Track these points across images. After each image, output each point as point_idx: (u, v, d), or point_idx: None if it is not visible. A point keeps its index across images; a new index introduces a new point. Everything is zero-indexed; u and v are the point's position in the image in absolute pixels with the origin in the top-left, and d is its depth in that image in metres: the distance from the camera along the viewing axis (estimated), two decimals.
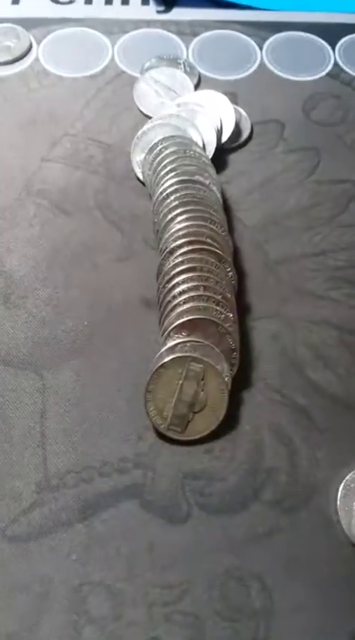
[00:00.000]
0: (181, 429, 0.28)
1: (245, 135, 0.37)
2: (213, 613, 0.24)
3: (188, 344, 0.28)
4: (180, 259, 0.30)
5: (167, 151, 0.33)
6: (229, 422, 0.28)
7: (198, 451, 0.28)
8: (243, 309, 0.31)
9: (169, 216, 0.31)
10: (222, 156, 0.36)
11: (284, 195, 0.35)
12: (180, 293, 0.29)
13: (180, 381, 0.27)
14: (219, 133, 0.36)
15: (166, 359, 0.27)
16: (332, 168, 0.36)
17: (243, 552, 0.26)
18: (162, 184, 0.32)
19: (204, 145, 0.35)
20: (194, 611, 0.24)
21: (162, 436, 0.28)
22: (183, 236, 0.30)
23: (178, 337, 0.28)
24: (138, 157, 0.35)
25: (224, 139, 0.36)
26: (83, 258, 0.33)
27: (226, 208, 0.34)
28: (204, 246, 0.30)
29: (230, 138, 0.36)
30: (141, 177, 0.35)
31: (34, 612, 0.24)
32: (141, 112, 0.39)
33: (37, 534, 0.26)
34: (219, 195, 0.33)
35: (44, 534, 0.26)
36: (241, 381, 0.29)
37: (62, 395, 0.29)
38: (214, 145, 0.35)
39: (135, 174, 0.36)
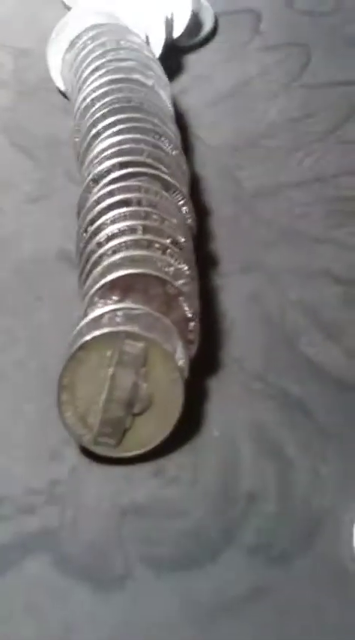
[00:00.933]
0: (115, 440, 0.19)
1: (206, 28, 0.27)
2: None
3: (120, 313, 0.19)
4: (107, 189, 0.20)
5: (93, 44, 0.24)
6: (188, 427, 0.19)
7: (142, 473, 0.19)
8: (205, 262, 0.22)
9: (94, 130, 0.22)
10: (174, 57, 0.27)
11: (263, 106, 0.26)
12: (109, 238, 0.19)
13: (111, 370, 0.18)
14: (170, 24, 0.26)
15: (87, 337, 0.18)
16: (326, 68, 0.27)
17: (209, 629, 0.17)
18: (86, 88, 0.23)
19: (147, 40, 0.26)
20: None
21: (87, 453, 0.19)
22: (113, 155, 0.21)
23: (106, 303, 0.19)
24: (56, 60, 0.26)
25: (176, 33, 0.27)
26: None
27: (181, 126, 0.25)
28: (144, 169, 0.20)
29: (185, 32, 0.27)
30: (61, 86, 0.26)
31: None
32: (68, 7, 0.29)
33: None
34: (168, 101, 0.23)
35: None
36: (205, 364, 0.20)
37: None
38: (162, 41, 0.26)
39: (56, 86, 0.26)
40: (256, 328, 0.21)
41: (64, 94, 0.26)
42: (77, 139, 0.23)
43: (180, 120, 0.25)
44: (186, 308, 0.19)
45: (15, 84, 0.27)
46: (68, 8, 0.28)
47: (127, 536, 0.18)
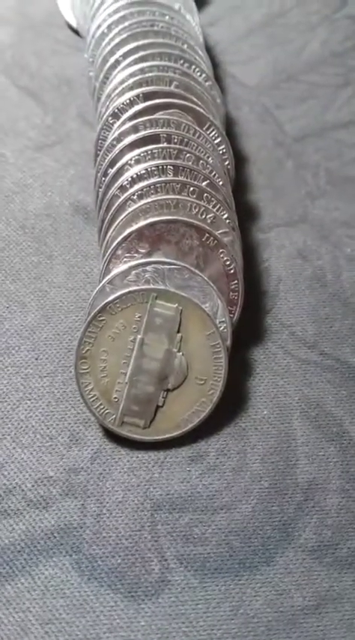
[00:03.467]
0: (145, 421, 0.16)
1: None
2: None
3: (149, 268, 0.16)
4: (130, 124, 0.17)
5: None
6: (231, 405, 0.16)
7: (178, 459, 0.16)
8: (244, 215, 0.19)
9: (112, 59, 0.18)
10: None
11: (302, 38, 0.23)
12: (133, 180, 0.16)
13: (140, 336, 0.15)
14: None
15: (111, 297, 0.15)
16: None
17: None
18: (102, 13, 0.20)
19: None
20: None
21: (111, 435, 0.16)
22: (135, 85, 0.18)
23: (132, 257, 0.16)
24: None
25: None
26: None
27: (212, 61, 0.22)
28: (173, 100, 0.17)
29: None
30: (71, 21, 0.23)
31: None
32: None
33: None
34: (197, 28, 0.20)
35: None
36: (248, 331, 0.17)
37: None
38: None
39: (65, 20, 0.23)
40: (307, 289, 0.18)
41: (73, 30, 0.23)
42: (92, 73, 0.20)
43: (210, 53, 0.22)
44: (228, 262, 0.16)
45: (17, 19, 0.24)
46: None
47: (163, 534, 0.15)
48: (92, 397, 0.16)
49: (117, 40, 0.19)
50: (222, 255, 0.16)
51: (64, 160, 0.20)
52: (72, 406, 0.16)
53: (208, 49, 0.22)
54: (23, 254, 0.19)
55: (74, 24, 0.23)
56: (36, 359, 0.17)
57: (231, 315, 0.16)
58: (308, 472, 0.16)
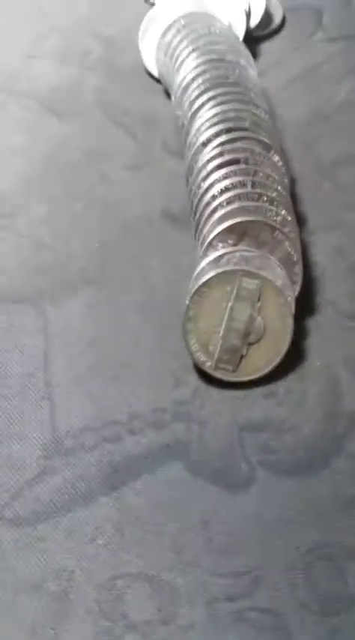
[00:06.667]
0: (233, 366, 0.21)
1: (276, 21, 0.30)
2: (298, 607, 0.18)
3: (237, 254, 0.21)
4: (218, 150, 0.23)
5: (187, 30, 0.27)
6: (294, 356, 0.21)
7: (256, 395, 0.21)
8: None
9: (198, 102, 0.24)
10: (250, 45, 0.30)
11: (333, 87, 0.29)
12: (222, 191, 0.22)
13: (230, 304, 0.21)
14: (248, 15, 0.29)
15: (210, 274, 0.21)
16: None
17: (329, 523, 0.19)
18: (185, 67, 0.26)
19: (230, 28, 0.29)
20: (273, 607, 0.18)
21: (208, 378, 0.21)
22: (220, 122, 0.23)
23: (224, 247, 0.22)
24: (148, 46, 0.29)
25: (253, 23, 0.30)
26: (86, 168, 0.26)
27: None
28: (248, 134, 0.23)
29: (259, 24, 0.30)
30: (153, 71, 0.29)
31: (51, 620, 0.18)
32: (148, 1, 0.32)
33: (47, 513, 0.19)
34: (257, 80, 0.26)
35: (57, 513, 0.19)
36: (304, 305, 0.23)
37: (71, 334, 0.22)
38: (243, 29, 0.29)
39: (146, 69, 0.29)
40: (344, 276, 0.24)
41: (153, 77, 0.29)
42: (179, 113, 0.25)
43: None
44: (292, 252, 0.22)
45: (105, 69, 0.30)
46: (149, 1, 0.31)
47: (248, 446, 0.20)
48: (195, 348, 0.21)
49: (201, 89, 0.24)
50: (287, 246, 0.22)
51: (155, 178, 0.26)
52: (177, 355, 0.22)
53: None
54: (128, 248, 0.24)
55: (156, 73, 0.29)
56: (144, 325, 0.23)
57: (294, 290, 0.22)
58: (352, 404, 0.21)
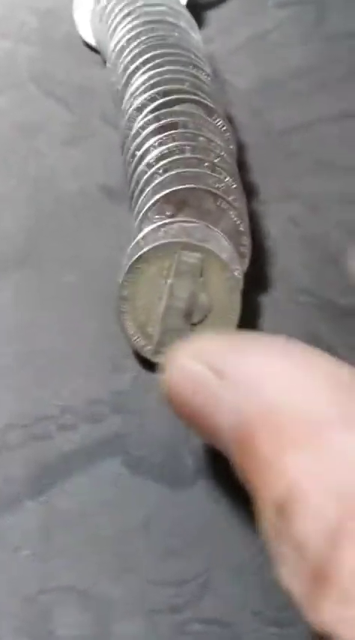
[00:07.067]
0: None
1: None
2: (250, 616, 0.16)
3: (175, 226, 0.19)
4: (153, 115, 0.21)
5: None
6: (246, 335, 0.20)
7: None
8: (244, 191, 0.23)
9: (132, 66, 0.22)
10: (196, 12, 0.28)
11: (283, 54, 0.27)
12: (158, 158, 0.20)
13: (170, 280, 0.19)
14: None
15: (146, 248, 0.19)
16: (344, 22, 0.28)
17: None
18: (120, 31, 0.24)
19: None
20: (221, 616, 0.16)
21: (148, 364, 0.19)
22: (155, 85, 0.21)
23: (160, 218, 0.20)
24: (84, 15, 0.27)
25: None
26: (18, 143, 0.24)
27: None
28: (187, 96, 0.21)
29: None
30: (90, 41, 0.27)
31: None
32: None
33: None
34: (200, 43, 0.24)
35: None
36: (255, 280, 0.21)
37: None
38: None
39: (83, 40, 0.27)
40: (299, 248, 0.22)
41: (91, 48, 0.27)
42: (113, 79, 0.23)
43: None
44: (238, 222, 0.20)
45: (41, 40, 0.28)
46: None
47: (194, 436, 0.18)
48: (132, 331, 0.19)
49: (135, 52, 0.23)
50: (232, 216, 0.20)
51: (91, 152, 0.24)
52: (113, 340, 0.20)
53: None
54: (63, 226, 0.22)
55: (93, 42, 0.27)
56: (79, 307, 0.21)
57: (242, 264, 0.20)
58: None
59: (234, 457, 0.13)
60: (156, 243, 0.19)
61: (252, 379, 0.13)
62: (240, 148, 0.24)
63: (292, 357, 0.13)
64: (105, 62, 0.26)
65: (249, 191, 0.23)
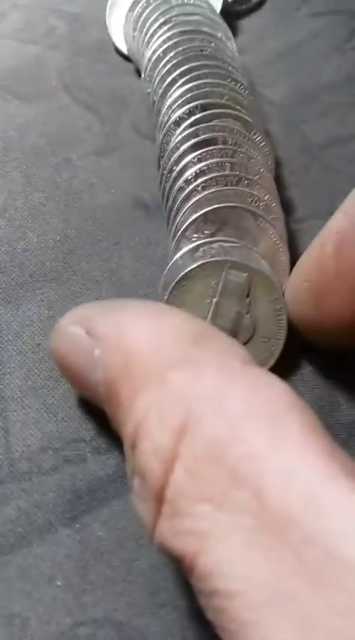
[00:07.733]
0: None
1: None
2: None
3: (215, 245, 0.19)
4: (191, 129, 0.20)
5: (158, 0, 0.24)
6: (288, 358, 0.19)
7: None
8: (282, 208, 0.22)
9: (169, 78, 0.22)
10: (229, 21, 0.27)
11: (318, 65, 0.26)
12: (197, 175, 0.20)
13: (215, 299, 0.18)
14: None
15: (193, 265, 0.18)
16: None
17: None
18: (156, 41, 0.23)
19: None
20: None
21: None
22: (193, 98, 0.21)
23: (199, 237, 0.19)
24: (116, 21, 0.26)
25: None
26: (48, 154, 0.23)
27: None
28: (226, 110, 0.21)
29: None
30: (122, 48, 0.26)
31: None
32: None
33: None
34: (236, 53, 0.24)
35: (10, 549, 0.16)
36: None
37: (27, 337, 0.20)
38: (221, 1, 0.26)
39: (115, 46, 0.26)
40: None
41: (123, 55, 0.26)
42: (149, 90, 0.23)
43: None
44: (278, 242, 0.19)
45: (70, 47, 0.27)
46: None
47: None
48: None
49: (172, 63, 0.22)
50: (272, 235, 0.19)
51: (123, 163, 0.23)
52: None
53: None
54: (94, 241, 0.22)
55: (125, 50, 0.26)
56: None
57: (282, 287, 0.19)
58: (350, 415, 0.19)
59: (106, 410, 0.15)
60: (204, 261, 0.18)
61: (114, 336, 0.15)
62: (277, 164, 0.23)
63: (149, 315, 0.15)
64: (137, 70, 0.25)
65: (285, 209, 0.22)
